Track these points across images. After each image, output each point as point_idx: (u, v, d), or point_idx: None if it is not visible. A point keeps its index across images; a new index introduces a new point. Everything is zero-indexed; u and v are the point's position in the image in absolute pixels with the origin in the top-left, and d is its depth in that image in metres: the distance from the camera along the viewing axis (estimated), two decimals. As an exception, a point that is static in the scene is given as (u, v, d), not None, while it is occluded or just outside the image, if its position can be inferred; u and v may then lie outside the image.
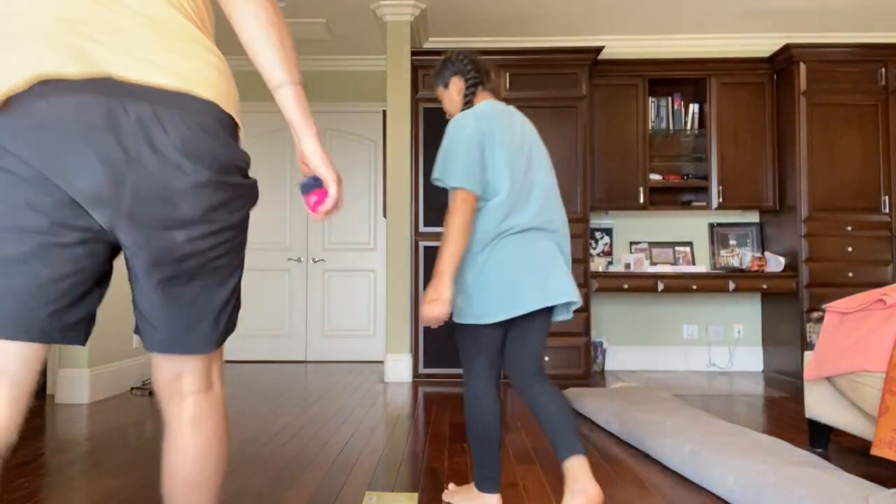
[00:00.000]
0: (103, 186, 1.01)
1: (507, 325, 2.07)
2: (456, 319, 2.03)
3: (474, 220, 1.99)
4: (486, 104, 2.09)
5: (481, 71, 2.18)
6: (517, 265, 1.98)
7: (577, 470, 1.93)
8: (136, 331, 1.18)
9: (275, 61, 1.16)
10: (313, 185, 1.22)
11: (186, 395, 1.19)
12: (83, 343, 1.14)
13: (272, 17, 1.16)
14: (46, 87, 0.98)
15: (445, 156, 2.00)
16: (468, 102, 2.15)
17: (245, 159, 1.15)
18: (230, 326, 1.22)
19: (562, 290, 2.01)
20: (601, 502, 1.88)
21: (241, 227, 1.18)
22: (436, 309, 1.91)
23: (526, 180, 2.05)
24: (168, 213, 1.06)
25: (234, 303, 1.21)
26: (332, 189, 1.21)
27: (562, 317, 2.10)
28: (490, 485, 2.08)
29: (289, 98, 1.18)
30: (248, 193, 1.16)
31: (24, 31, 0.98)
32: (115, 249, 1.13)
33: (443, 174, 1.99)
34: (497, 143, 2.00)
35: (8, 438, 1.05)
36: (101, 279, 1.13)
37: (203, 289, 1.15)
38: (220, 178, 1.09)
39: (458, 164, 1.96)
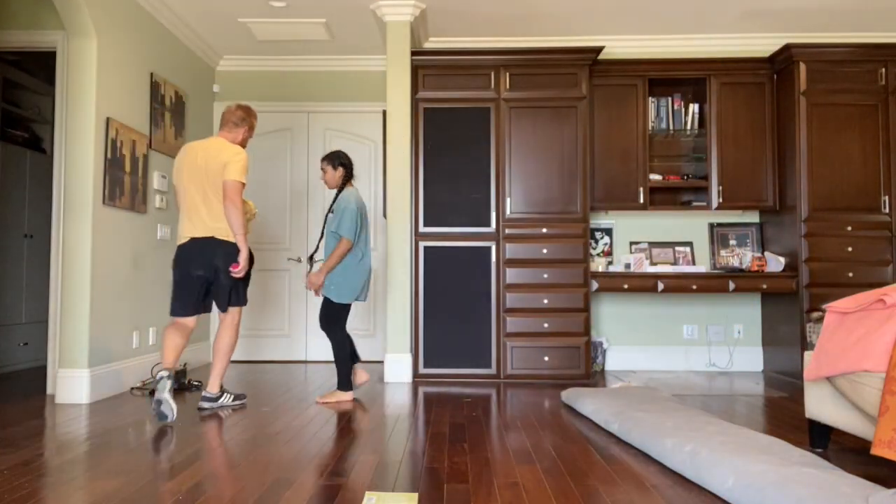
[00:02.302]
0: (201, 270, 3.64)
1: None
2: (331, 297, 3.99)
3: (349, 250, 3.97)
4: (354, 190, 4.07)
5: (352, 168, 4.13)
6: (357, 276, 3.98)
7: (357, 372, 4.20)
8: (199, 309, 3.73)
9: (233, 227, 3.61)
10: (236, 261, 3.67)
11: (224, 319, 3.79)
12: (209, 310, 3.80)
13: (231, 210, 3.58)
14: (187, 240, 3.68)
15: (342, 218, 3.92)
16: (343, 186, 4.08)
17: (234, 248, 3.64)
18: (238, 302, 3.79)
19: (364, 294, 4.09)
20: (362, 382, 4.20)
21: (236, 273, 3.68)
22: (314, 284, 3.98)
23: (363, 233, 4.03)
24: (215, 272, 3.66)
25: (236, 295, 3.77)
26: (243, 264, 3.68)
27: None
28: (345, 386, 4.00)
29: (238, 241, 3.68)
30: (235, 251, 3.65)
31: (184, 226, 3.70)
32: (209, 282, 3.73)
33: (338, 229, 3.92)
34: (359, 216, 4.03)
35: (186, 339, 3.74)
36: (208, 293, 3.72)
37: (226, 290, 3.72)
38: (226, 257, 3.64)
39: (348, 225, 3.91)
